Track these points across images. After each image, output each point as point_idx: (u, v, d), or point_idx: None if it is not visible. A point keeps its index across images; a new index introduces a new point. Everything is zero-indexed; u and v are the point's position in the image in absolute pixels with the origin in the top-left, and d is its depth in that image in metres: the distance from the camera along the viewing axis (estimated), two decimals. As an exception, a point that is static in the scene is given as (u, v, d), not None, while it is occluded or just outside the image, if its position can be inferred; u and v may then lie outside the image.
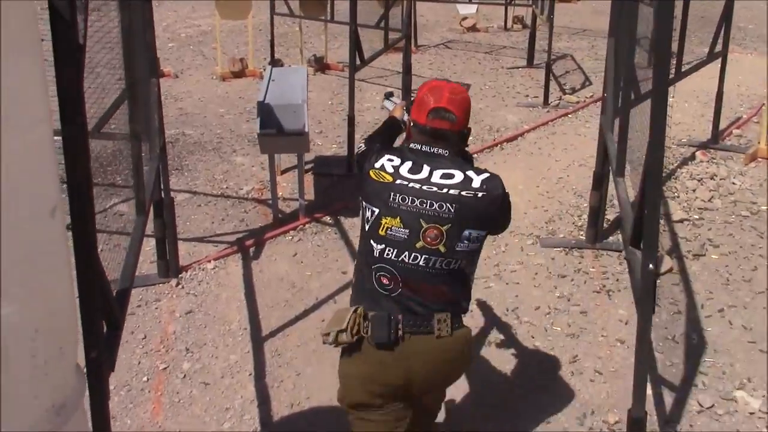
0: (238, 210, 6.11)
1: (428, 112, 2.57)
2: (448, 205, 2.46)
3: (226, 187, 6.56)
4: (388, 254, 2.50)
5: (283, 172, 6.74)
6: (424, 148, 2.59)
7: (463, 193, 2.49)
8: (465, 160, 2.73)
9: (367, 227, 2.58)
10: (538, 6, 10.48)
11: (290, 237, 5.60)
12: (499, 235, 4.31)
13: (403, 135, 2.97)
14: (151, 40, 4.57)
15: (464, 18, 14.58)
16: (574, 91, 9.77)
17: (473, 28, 14.51)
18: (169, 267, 4.99)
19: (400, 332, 2.48)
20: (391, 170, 2.57)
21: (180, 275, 5.02)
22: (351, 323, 2.49)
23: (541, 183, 6.57)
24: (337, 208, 5.97)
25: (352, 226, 5.73)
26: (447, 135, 2.59)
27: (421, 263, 2.47)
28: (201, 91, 9.66)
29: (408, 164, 2.57)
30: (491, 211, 2.55)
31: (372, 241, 2.54)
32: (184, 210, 6.09)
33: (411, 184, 2.52)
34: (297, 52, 11.08)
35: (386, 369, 2.53)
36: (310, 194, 6.38)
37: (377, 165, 2.60)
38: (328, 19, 10.07)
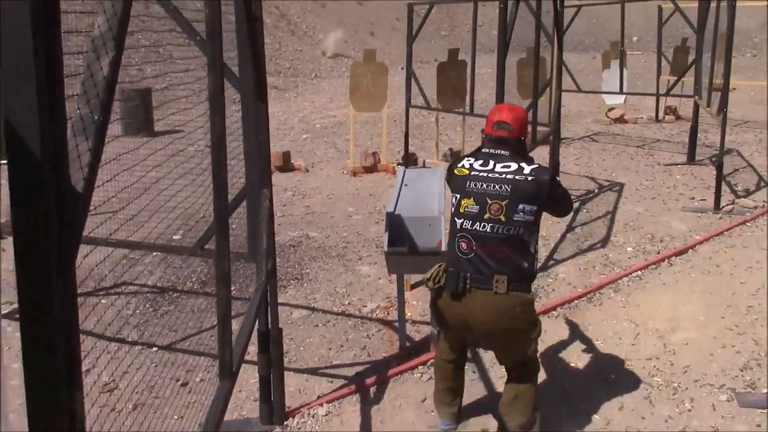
0: (359, 334, 5.15)
1: (493, 125, 3.47)
2: (506, 186, 3.29)
3: (349, 304, 5.63)
4: (465, 225, 3.33)
5: (413, 287, 5.76)
6: (491, 150, 3.46)
7: (517, 177, 3.32)
8: (523, 158, 3.46)
9: (453, 210, 3.42)
10: (701, 97, 9.23)
11: (419, 374, 4.56)
12: (680, 386, 4.33)
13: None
14: (265, 143, 3.74)
15: (611, 108, 13.46)
16: (748, 193, 8.39)
17: (621, 120, 13.35)
18: (273, 411, 4.04)
19: (468, 286, 3.29)
20: (467, 166, 3.44)
21: (285, 423, 4.07)
22: (434, 274, 3.41)
23: (726, 313, 5.27)
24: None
25: (493, 363, 4.65)
26: (506, 140, 3.43)
27: (488, 230, 3.27)
28: (331, 187, 8.93)
29: (480, 161, 3.43)
30: (539, 190, 3.33)
31: (455, 218, 3.38)
32: (299, 331, 5.20)
33: (481, 174, 3.37)
34: (432, 144, 10.29)
35: (453, 311, 3.39)
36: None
37: (459, 165, 3.49)
38: (467, 112, 9.20)
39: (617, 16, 12.56)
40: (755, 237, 6.89)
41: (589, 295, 5.63)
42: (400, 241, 4.55)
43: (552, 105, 7.63)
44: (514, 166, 3.35)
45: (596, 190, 8.67)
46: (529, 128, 8.17)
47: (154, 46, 10.50)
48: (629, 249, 6.70)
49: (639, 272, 6.04)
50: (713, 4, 9.05)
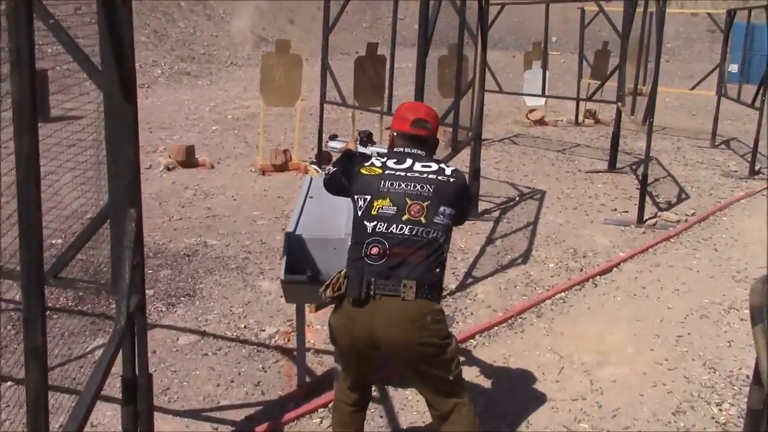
0: (254, 365, 4.48)
1: (411, 123, 3.19)
2: (427, 186, 3.03)
3: (245, 327, 4.95)
4: (379, 228, 2.97)
5: (318, 308, 5.12)
6: (406, 150, 3.18)
7: (439, 177, 3.08)
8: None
9: (359, 213, 3.05)
10: (624, 104, 8.87)
11: (319, 419, 3.93)
12: None
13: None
14: (132, 155, 3.03)
15: (531, 110, 13.10)
16: (670, 206, 8.05)
17: (541, 122, 13.01)
18: (142, 472, 3.35)
19: (372, 292, 2.90)
20: (379, 164, 3.12)
21: (155, 486, 3.38)
22: (334, 281, 3.01)
23: (655, 344, 4.83)
24: (387, 374, 4.28)
25: (404, 405, 4.07)
26: (425, 140, 3.21)
27: (406, 232, 2.95)
28: (236, 187, 8.19)
29: (393, 159, 3.14)
30: (459, 194, 3.11)
31: (365, 222, 3.01)
32: (185, 361, 4.50)
33: (397, 172, 3.07)
34: (347, 140, 9.62)
35: (355, 321, 2.95)
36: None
37: (367, 164, 3.14)
38: (385, 111, 8.59)
39: (538, 15, 12.23)
40: (679, 255, 6.52)
41: (510, 321, 5.11)
42: (301, 266, 3.90)
43: (474, 107, 7.10)
44: (434, 166, 3.11)
45: (517, 198, 8.20)
46: (444, 131, 7.65)
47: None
48: (551, 266, 6.22)
49: (562, 294, 5.55)
50: (639, 9, 8.69)
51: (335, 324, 3.05)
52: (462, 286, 5.68)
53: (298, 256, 3.90)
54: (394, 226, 2.94)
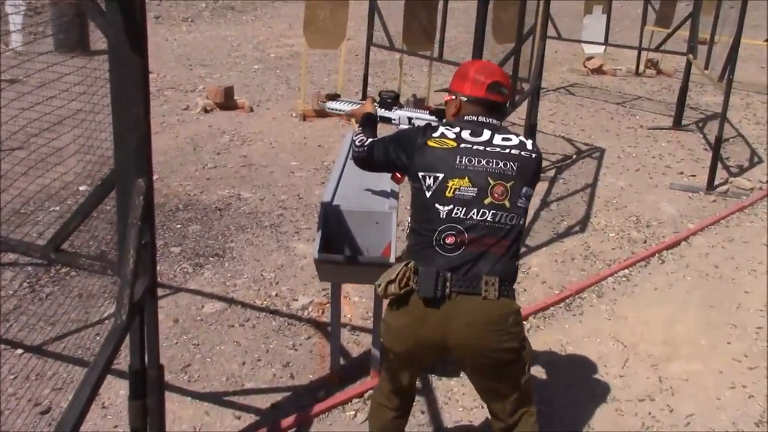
0: (284, 342, 4.04)
1: (487, 87, 2.66)
2: (511, 163, 2.54)
3: (276, 295, 4.51)
4: (456, 213, 2.48)
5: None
6: (480, 119, 2.65)
7: (522, 153, 2.58)
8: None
9: (428, 194, 2.53)
10: (696, 56, 8.11)
11: (352, 412, 3.48)
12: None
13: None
14: (141, 115, 2.53)
15: (589, 58, 12.26)
16: (741, 170, 7.36)
17: (599, 70, 12.18)
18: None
19: (448, 290, 2.44)
20: (452, 136, 2.59)
21: (167, 486, 2.98)
22: (401, 275, 2.47)
23: (732, 336, 4.28)
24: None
25: (448, 399, 3.60)
26: (501, 107, 2.72)
27: (488, 218, 2.48)
28: (276, 133, 7.68)
29: (468, 131, 2.61)
30: (537, 172, 2.65)
31: (437, 205, 2.50)
32: (209, 333, 4.08)
33: (475, 146, 2.56)
34: (395, 86, 9.01)
35: (426, 324, 2.47)
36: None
37: (435, 135, 2.60)
38: (435, 57, 7.95)
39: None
40: (755, 229, 5.88)
41: (567, 300, 4.58)
42: (338, 240, 3.41)
43: (534, 57, 6.44)
44: (515, 139, 2.62)
45: (574, 156, 7.57)
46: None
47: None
48: (612, 235, 5.64)
49: (626, 271, 5.00)
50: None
51: (396, 324, 2.58)
52: (514, 257, 5.16)
53: (335, 229, 3.40)
54: (475, 211, 2.48)
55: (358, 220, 3.39)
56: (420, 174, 2.55)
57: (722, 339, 4.24)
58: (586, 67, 12.21)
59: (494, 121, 2.66)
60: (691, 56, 8.23)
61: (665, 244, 5.43)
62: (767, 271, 5.10)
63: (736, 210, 6.17)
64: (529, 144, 2.63)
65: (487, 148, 2.55)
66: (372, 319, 3.84)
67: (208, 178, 6.29)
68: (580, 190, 6.59)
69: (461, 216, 2.48)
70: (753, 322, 4.44)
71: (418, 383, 3.39)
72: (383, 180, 3.68)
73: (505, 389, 2.60)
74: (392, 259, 3.19)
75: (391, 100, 3.19)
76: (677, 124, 8.75)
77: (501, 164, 2.52)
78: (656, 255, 5.27)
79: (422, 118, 3.15)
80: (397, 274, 2.48)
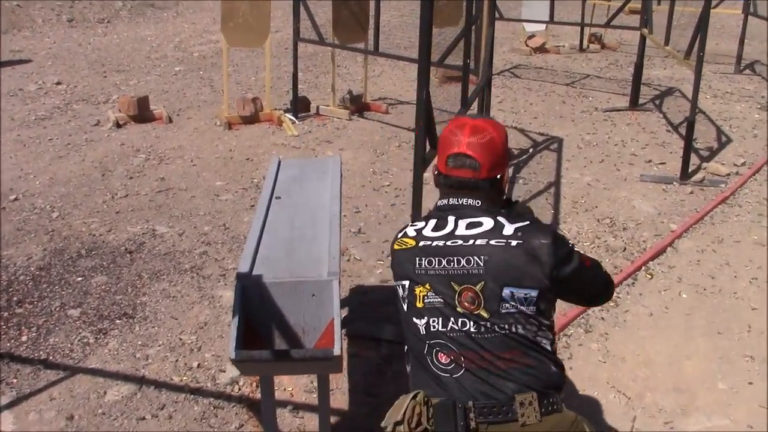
0: (209, 435, 3.13)
1: (446, 159, 2.02)
2: (475, 258, 1.88)
3: (198, 366, 3.57)
4: (434, 326, 1.91)
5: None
6: (451, 201, 2.04)
7: (492, 242, 1.89)
8: (500, 208, 2.03)
9: (405, 308, 2.00)
10: (651, 30, 7.38)
11: None
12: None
13: None
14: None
15: (530, 36, 11.50)
16: (712, 152, 6.65)
17: (541, 49, 11.44)
18: None
19: (472, 423, 1.80)
20: (413, 234, 2.03)
21: None
22: (410, 413, 1.82)
23: (751, 372, 3.51)
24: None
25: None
26: (471, 184, 1.99)
27: (471, 329, 1.86)
28: (197, 147, 6.68)
29: (432, 223, 2.03)
30: (534, 263, 1.85)
31: (414, 319, 1.96)
32: (113, 429, 3.14)
33: (434, 243, 1.95)
34: (328, 81, 8.06)
35: None
36: (339, 399, 3.39)
37: (400, 235, 2.08)
38: (370, 50, 7.04)
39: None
40: (743, 224, 5.16)
41: (551, 341, 3.76)
42: (262, 320, 2.51)
43: (484, 46, 5.59)
44: (487, 223, 1.95)
45: (530, 150, 6.76)
46: (435, 70, 6.13)
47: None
48: (587, 245, 4.85)
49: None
50: None
51: None
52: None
53: (257, 306, 2.49)
54: (452, 320, 1.89)
55: (287, 293, 2.49)
56: (396, 284, 2.06)
57: (742, 377, 3.47)
58: (528, 46, 11.46)
59: (468, 202, 2.00)
60: (645, 31, 7.48)
61: (650, 253, 4.64)
62: (768, 277, 4.37)
63: (719, 202, 5.44)
64: (509, 228, 1.91)
65: (447, 243, 1.94)
66: (317, 391, 2.94)
67: (117, 212, 5.28)
68: (544, 191, 5.79)
69: (440, 328, 1.91)
70: (764, 344, 3.68)
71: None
72: (321, 223, 2.79)
73: None
74: (336, 347, 2.30)
75: None
76: (634, 104, 8.02)
77: (463, 261, 1.90)
78: (642, 268, 4.49)
79: None
80: (404, 413, 1.84)
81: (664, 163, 6.30)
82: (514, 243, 1.87)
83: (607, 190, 5.77)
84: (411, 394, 1.88)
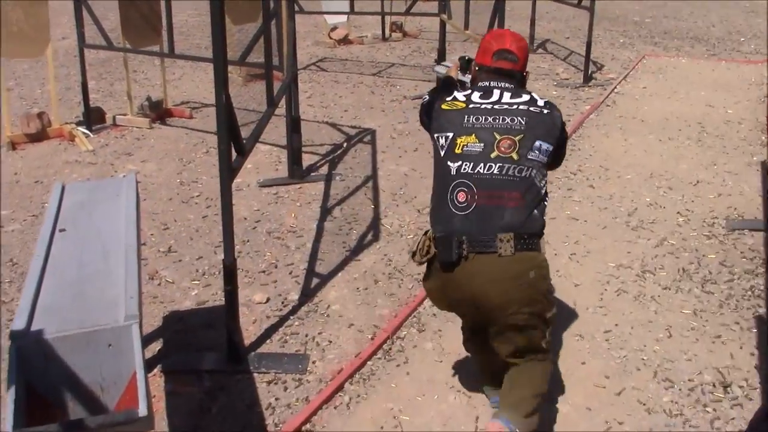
0: None
1: (493, 54, 2.75)
2: (519, 118, 2.61)
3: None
4: (464, 168, 2.57)
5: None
6: (492, 84, 2.74)
7: (531, 108, 2.65)
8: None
9: (441, 153, 2.65)
10: (450, 15, 7.43)
11: None
12: None
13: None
14: None
15: (333, 28, 11.34)
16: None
17: (345, 40, 11.31)
18: None
19: (464, 252, 2.51)
20: (462, 98, 2.72)
21: None
22: (420, 245, 2.65)
23: (582, 351, 3.50)
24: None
25: None
26: (511, 73, 2.75)
27: (495, 171, 2.53)
28: (-24, 172, 5.90)
29: (479, 93, 2.72)
30: (556, 126, 2.67)
31: (448, 162, 2.61)
32: None
33: (483, 105, 2.66)
34: (123, 88, 7.43)
35: (453, 285, 2.59)
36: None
37: (448, 98, 2.75)
38: (165, 53, 6.55)
39: None
40: (556, 200, 5.24)
41: (385, 346, 3.57)
42: (50, 381, 2.10)
43: (286, 41, 5.31)
44: (525, 96, 2.71)
45: (344, 144, 6.58)
46: (239, 69, 5.79)
47: None
48: (410, 237, 4.74)
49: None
50: None
51: (430, 287, 2.76)
52: (306, 295, 4.06)
53: (42, 366, 2.08)
54: (482, 165, 2.56)
55: (78, 347, 2.10)
56: (435, 135, 2.71)
57: (574, 358, 3.44)
58: (331, 38, 11.28)
59: (506, 84, 2.72)
60: (444, 16, 7.52)
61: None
62: (586, 252, 4.44)
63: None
64: (540, 101, 2.69)
65: (495, 106, 2.64)
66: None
67: None
68: (362, 185, 5.62)
69: (469, 171, 2.55)
70: (598, 326, 3.71)
71: None
72: (114, 256, 2.40)
73: (518, 337, 2.62)
74: (141, 406, 1.95)
75: (465, 65, 3.09)
76: (440, 89, 8.05)
77: (508, 120, 2.59)
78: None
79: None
80: (418, 245, 2.66)
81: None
82: (546, 111, 2.64)
83: (424, 178, 5.70)
84: (424, 232, 2.66)
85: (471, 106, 2.65)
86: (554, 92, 8.14)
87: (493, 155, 2.53)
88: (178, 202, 5.31)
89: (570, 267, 4.30)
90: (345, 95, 8.22)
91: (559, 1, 9.31)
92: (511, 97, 2.66)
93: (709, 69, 9.11)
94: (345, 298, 4.03)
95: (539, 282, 2.56)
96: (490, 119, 2.59)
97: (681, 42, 10.94)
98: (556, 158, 2.73)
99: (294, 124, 5.60)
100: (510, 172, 2.52)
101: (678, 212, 4.97)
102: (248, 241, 4.69)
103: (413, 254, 2.68)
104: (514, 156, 2.53)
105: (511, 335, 2.61)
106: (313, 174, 5.83)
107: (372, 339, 3.62)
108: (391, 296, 4.04)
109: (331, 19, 10.98)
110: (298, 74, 7.39)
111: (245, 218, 5.00)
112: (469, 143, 2.57)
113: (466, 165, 2.54)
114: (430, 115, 2.80)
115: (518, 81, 2.75)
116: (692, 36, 11.33)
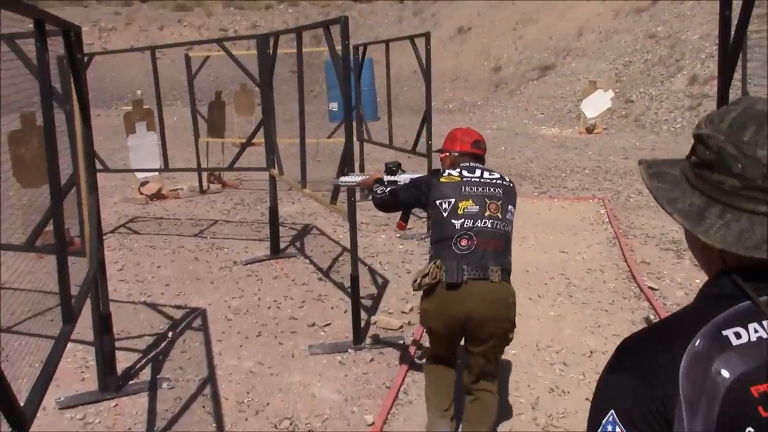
0: None
1: (471, 143, 3.64)
2: (497, 189, 3.43)
3: None
4: (467, 224, 3.31)
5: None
6: (471, 164, 3.54)
7: (503, 182, 3.49)
8: None
9: (444, 214, 3.36)
10: (282, 171, 6.54)
11: None
12: None
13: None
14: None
15: (144, 183, 10.14)
16: (374, 300, 5.80)
17: (159, 195, 10.11)
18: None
19: (465, 277, 3.23)
20: (456, 174, 3.46)
21: None
22: (432, 270, 3.29)
23: None
24: None
25: None
26: (482, 157, 3.67)
27: (488, 225, 3.32)
28: None
29: (465, 170, 3.48)
30: (516, 196, 3.53)
31: (452, 220, 3.34)
32: None
33: (473, 179, 3.44)
34: None
35: (452, 304, 3.27)
36: None
37: (444, 175, 3.48)
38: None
39: (120, 68, 9.24)
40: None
41: None
42: None
43: (88, 221, 4.09)
44: (496, 174, 3.52)
45: (169, 333, 5.29)
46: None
47: None
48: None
49: None
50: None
51: (429, 307, 3.36)
52: None
53: None
54: (479, 221, 3.30)
55: None
56: (437, 201, 3.39)
57: None
58: (142, 193, 10.03)
59: (480, 165, 3.54)
60: (275, 171, 6.60)
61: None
62: None
63: (406, 372, 4.50)
64: (506, 178, 3.52)
65: (481, 179, 3.43)
66: None
67: None
68: (197, 394, 4.35)
69: (470, 225, 3.30)
70: None
71: None
72: None
73: (490, 350, 3.35)
74: None
75: (396, 168, 3.87)
76: (275, 251, 7.04)
77: (491, 189, 3.40)
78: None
79: (419, 176, 3.74)
80: (429, 270, 3.29)
81: (329, 324, 5.30)
82: (511, 185, 3.50)
83: (276, 376, 4.55)
84: (433, 261, 3.32)
85: (464, 179, 3.41)
86: (400, 246, 7.37)
87: (486, 214, 3.32)
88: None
89: None
90: (164, 264, 6.95)
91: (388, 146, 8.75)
92: (489, 174, 3.46)
93: (545, 209, 8.83)
94: None
95: (512, 307, 3.33)
96: (480, 189, 3.38)
97: (507, 180, 10.76)
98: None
99: (103, 323, 4.30)
100: (497, 227, 3.32)
101: (586, 398, 4.15)
102: None
103: (422, 278, 3.30)
104: (500, 215, 3.34)
105: (487, 344, 3.32)
106: (132, 383, 4.49)
107: None
108: None
109: (140, 174, 9.77)
110: (106, 239, 6.08)
111: None
112: (468, 206, 3.32)
113: (467, 221, 3.30)
114: (427, 190, 3.44)
115: (483, 163, 3.61)
116: (515, 173, 11.22)
